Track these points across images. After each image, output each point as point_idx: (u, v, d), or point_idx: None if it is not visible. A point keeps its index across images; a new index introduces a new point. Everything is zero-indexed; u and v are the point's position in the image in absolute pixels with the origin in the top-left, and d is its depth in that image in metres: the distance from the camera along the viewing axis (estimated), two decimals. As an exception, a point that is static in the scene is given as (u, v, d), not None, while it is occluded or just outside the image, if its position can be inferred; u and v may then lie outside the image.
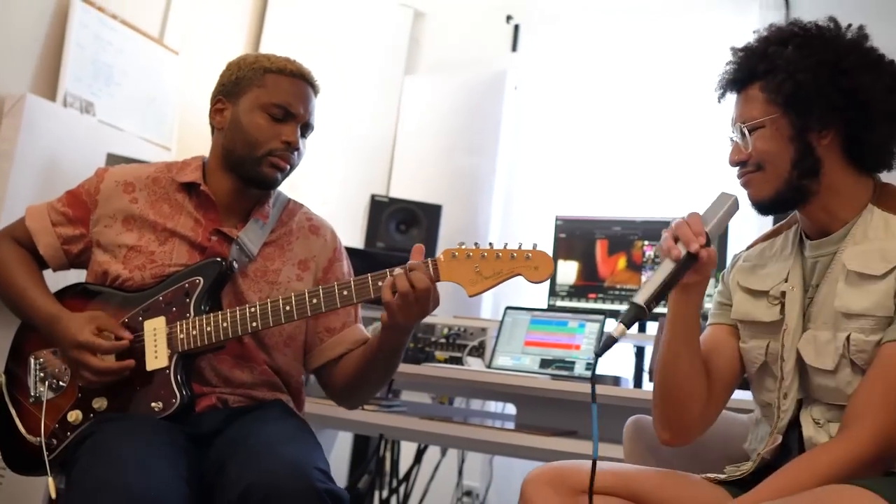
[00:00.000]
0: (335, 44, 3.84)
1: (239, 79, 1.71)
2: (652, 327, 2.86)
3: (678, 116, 3.57)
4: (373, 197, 3.24)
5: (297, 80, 1.72)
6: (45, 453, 1.56)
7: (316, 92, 1.77)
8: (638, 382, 2.64)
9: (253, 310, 1.59)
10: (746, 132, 1.37)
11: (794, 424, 1.38)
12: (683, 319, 1.44)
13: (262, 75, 1.70)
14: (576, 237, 2.91)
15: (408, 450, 3.23)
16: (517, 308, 2.66)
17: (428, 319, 2.84)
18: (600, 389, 2.31)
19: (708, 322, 1.57)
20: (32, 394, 1.65)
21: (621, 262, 2.81)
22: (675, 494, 1.38)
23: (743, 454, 1.51)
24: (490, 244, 1.55)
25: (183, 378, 1.59)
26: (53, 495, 1.52)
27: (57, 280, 1.80)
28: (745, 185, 1.40)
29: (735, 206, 1.39)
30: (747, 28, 3.45)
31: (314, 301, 1.57)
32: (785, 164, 1.35)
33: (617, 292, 2.86)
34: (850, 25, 1.38)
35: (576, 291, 2.87)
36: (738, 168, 1.41)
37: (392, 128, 3.96)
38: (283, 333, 1.72)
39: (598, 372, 2.36)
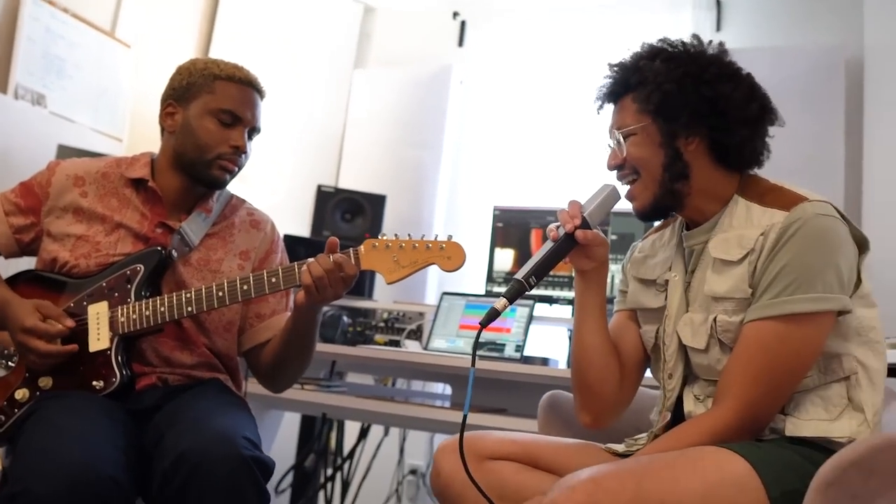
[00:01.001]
0: (287, 37, 3.93)
1: (189, 84, 1.81)
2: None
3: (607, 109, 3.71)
4: (319, 187, 3.36)
5: (245, 87, 1.83)
6: (-7, 429, 1.67)
7: (262, 97, 1.87)
8: (545, 362, 2.80)
9: (189, 295, 1.71)
10: (621, 138, 1.49)
11: (682, 401, 1.50)
12: (587, 307, 1.57)
13: (211, 82, 1.80)
14: (512, 226, 3.07)
15: (352, 431, 3.37)
16: (453, 294, 2.80)
17: (369, 304, 2.99)
18: (531, 370, 2.48)
19: (614, 309, 1.68)
20: (-18, 372, 1.76)
21: (553, 250, 2.97)
22: (570, 460, 1.49)
23: (647, 426, 1.62)
24: (409, 235, 1.67)
25: (123, 359, 1.71)
26: (0, 467, 1.64)
27: (8, 267, 1.91)
28: (629, 198, 1.52)
29: (614, 194, 1.52)
30: (681, 26, 3.66)
31: (244, 287, 1.70)
32: (657, 169, 1.46)
33: (549, 279, 3.01)
34: (710, 42, 1.51)
35: (511, 278, 3.02)
36: (616, 172, 1.53)
37: (341, 120, 4.07)
38: (223, 319, 1.84)
39: (531, 354, 2.56)
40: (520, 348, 2.59)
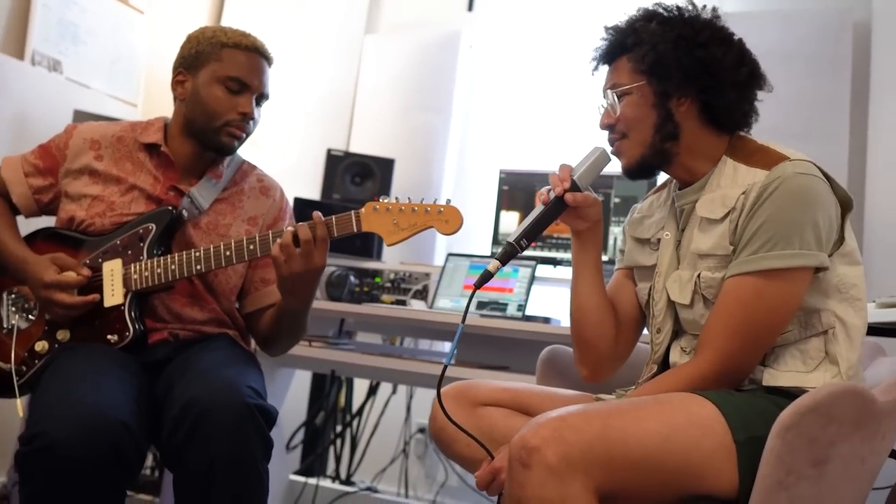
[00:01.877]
0: (298, 3, 3.97)
1: (198, 52, 1.87)
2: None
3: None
4: (329, 151, 3.42)
5: (252, 54, 1.88)
6: (15, 378, 1.77)
7: (270, 63, 1.92)
8: (546, 320, 2.86)
9: (198, 254, 1.79)
10: (615, 98, 1.54)
11: (668, 356, 1.57)
12: (582, 265, 1.63)
13: (219, 50, 1.86)
14: (517, 189, 3.12)
15: (361, 389, 3.47)
16: (458, 255, 2.87)
17: (376, 265, 3.07)
18: (533, 327, 2.55)
19: (615, 268, 1.75)
20: (5, 325, 1.85)
21: (556, 212, 3.02)
22: (557, 407, 1.51)
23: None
24: (409, 198, 1.72)
25: (136, 314, 1.80)
26: (21, 414, 1.74)
27: (29, 225, 1.99)
28: (616, 153, 1.57)
29: (605, 157, 1.56)
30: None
31: (251, 247, 1.77)
32: (648, 129, 1.51)
33: (554, 241, 3.07)
34: (705, 6, 1.55)
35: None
36: (607, 133, 1.58)
37: (352, 86, 4.10)
38: (230, 283, 1.92)
39: (533, 313, 2.63)
40: (521, 307, 2.66)
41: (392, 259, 3.24)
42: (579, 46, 3.88)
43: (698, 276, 1.49)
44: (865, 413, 1.27)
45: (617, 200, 3.03)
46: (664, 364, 1.58)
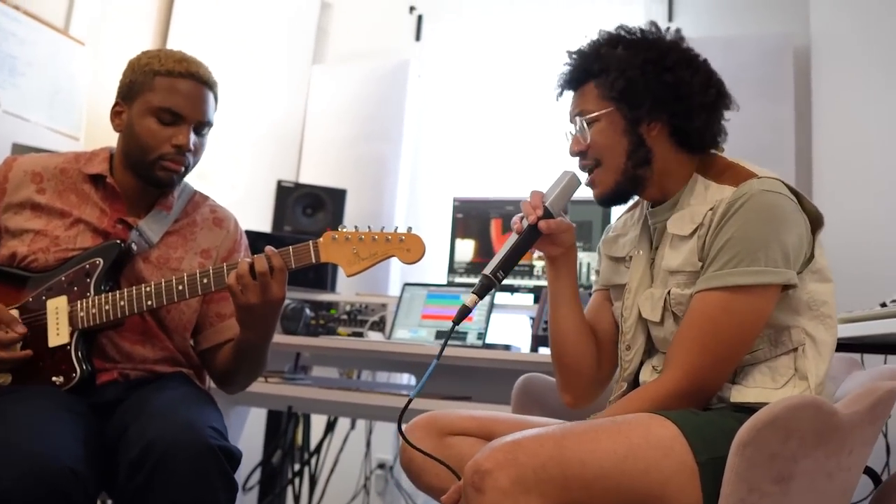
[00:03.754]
0: (244, 33, 3.91)
1: (132, 82, 1.78)
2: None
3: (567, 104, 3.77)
4: (279, 182, 3.36)
5: (188, 81, 1.77)
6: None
7: (211, 87, 1.81)
8: (535, 349, 2.84)
9: (148, 289, 1.71)
10: (585, 125, 1.52)
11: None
12: (559, 291, 1.61)
13: (151, 78, 1.76)
14: (472, 217, 3.10)
15: (319, 426, 3.38)
16: (415, 284, 2.83)
17: (331, 297, 3.00)
18: (495, 355, 2.51)
19: (592, 289, 1.73)
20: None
21: (513, 239, 3.01)
22: None
23: None
24: (368, 227, 1.67)
25: (83, 353, 1.70)
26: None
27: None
28: (589, 184, 1.55)
29: (574, 181, 1.54)
30: (634, 17, 3.72)
31: (204, 280, 1.69)
32: (620, 156, 1.49)
33: (515, 268, 3.05)
34: (668, 28, 1.55)
35: (472, 268, 3.06)
36: (578, 160, 1.56)
37: (301, 116, 4.06)
38: (183, 318, 1.84)
39: (493, 341, 2.59)
40: (482, 335, 2.63)
41: (347, 290, 3.19)
42: (526, 73, 3.94)
43: (668, 292, 1.48)
44: (827, 426, 1.24)
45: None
46: (635, 383, 1.56)
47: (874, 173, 3.05)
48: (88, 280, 1.74)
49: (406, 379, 3.25)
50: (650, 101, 1.47)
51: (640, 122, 1.49)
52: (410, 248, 1.64)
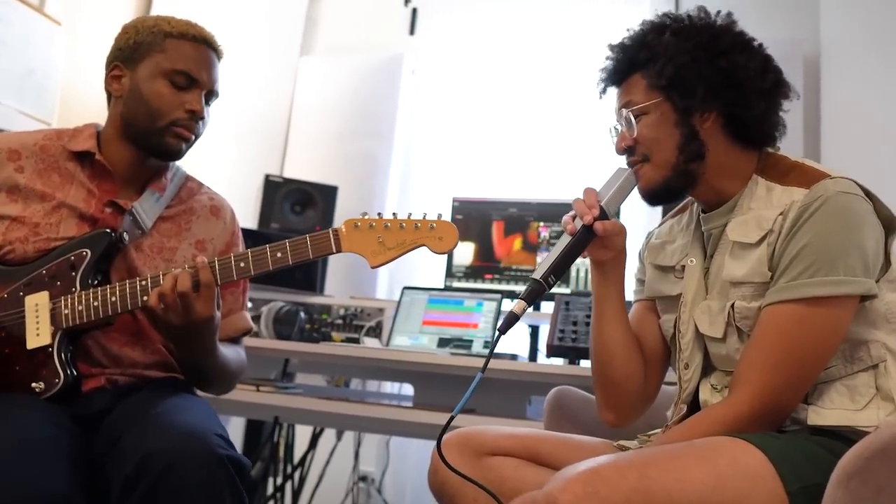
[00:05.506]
0: (229, 20, 3.71)
1: (137, 43, 1.63)
2: (546, 307, 2.93)
3: (571, 100, 3.65)
4: (267, 177, 3.16)
5: (200, 45, 1.66)
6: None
7: (219, 57, 1.71)
8: (533, 358, 2.69)
9: (144, 283, 1.52)
10: (632, 118, 1.40)
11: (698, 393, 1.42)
12: (606, 299, 1.49)
13: (162, 40, 1.63)
14: (472, 219, 2.94)
15: (302, 436, 3.17)
16: (414, 288, 2.66)
17: (324, 300, 2.81)
18: (500, 365, 2.36)
19: (633, 300, 1.60)
20: None
21: (517, 243, 2.87)
22: (573, 455, 1.40)
23: (665, 422, 1.54)
24: (394, 214, 1.53)
25: (67, 356, 1.51)
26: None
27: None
28: (637, 179, 1.43)
29: (632, 179, 1.42)
30: (639, 17, 3.59)
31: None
32: (671, 150, 1.38)
33: (513, 273, 2.90)
34: (718, 12, 1.43)
35: (472, 272, 2.91)
36: (626, 156, 1.44)
37: (287, 108, 3.88)
38: None
39: (499, 351, 2.44)
40: (488, 344, 2.46)
41: (338, 293, 3.00)
42: (525, 71, 3.82)
43: (731, 306, 1.36)
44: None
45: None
46: (693, 404, 1.43)
47: (884, 181, 2.96)
48: (74, 273, 1.55)
49: (397, 388, 3.08)
50: (703, 89, 1.36)
51: (692, 112, 1.38)
52: (443, 236, 1.49)
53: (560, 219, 2.89)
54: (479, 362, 2.34)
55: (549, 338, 2.29)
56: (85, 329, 1.54)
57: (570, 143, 3.64)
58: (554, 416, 1.68)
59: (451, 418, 1.27)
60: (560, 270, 1.36)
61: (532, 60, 3.73)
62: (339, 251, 1.50)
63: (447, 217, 1.51)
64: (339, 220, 3.24)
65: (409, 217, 1.51)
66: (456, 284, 2.90)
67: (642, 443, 1.45)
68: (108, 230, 1.58)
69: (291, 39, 3.97)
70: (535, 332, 2.93)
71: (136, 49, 1.63)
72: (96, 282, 1.56)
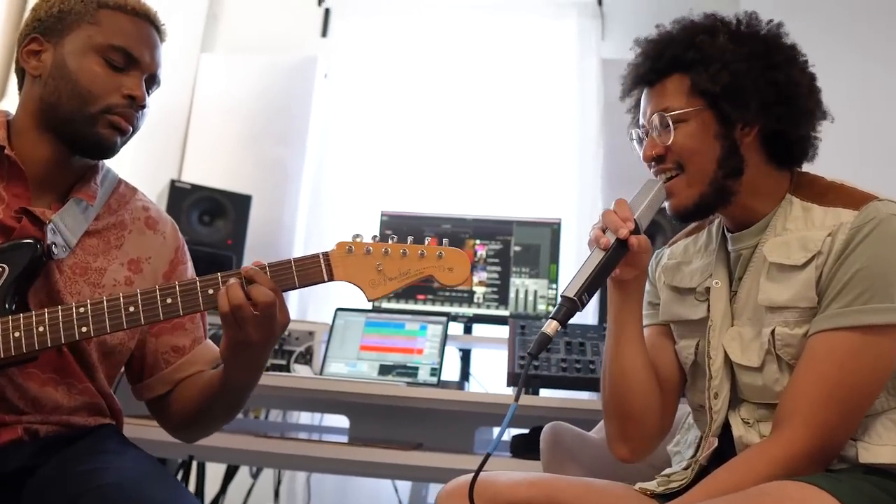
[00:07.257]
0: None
1: (63, 12, 1.34)
2: (477, 329, 2.75)
3: (490, 113, 3.54)
4: (173, 182, 2.82)
5: (141, 21, 1.37)
6: None
7: (162, 39, 1.42)
8: (461, 386, 2.51)
9: (82, 310, 1.22)
10: (670, 122, 1.28)
11: (726, 427, 1.31)
12: (625, 322, 1.37)
13: (95, 10, 1.34)
14: (403, 234, 2.71)
15: (214, 474, 2.83)
16: (349, 309, 2.42)
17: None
18: (445, 395, 2.16)
19: (644, 324, 1.47)
20: None
21: (454, 261, 2.68)
22: (599, 503, 1.30)
23: (665, 458, 1.44)
24: (391, 238, 1.32)
25: (-25, 401, 1.19)
26: None
27: None
28: (668, 193, 1.32)
29: (663, 193, 1.32)
30: (566, 33, 3.52)
31: (168, 301, 1.23)
32: (710, 164, 1.28)
33: (448, 293, 2.71)
34: (770, 21, 1.34)
35: (403, 292, 2.69)
36: (653, 165, 1.33)
37: (186, 107, 3.52)
38: (105, 346, 1.36)
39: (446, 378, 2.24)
40: (435, 371, 2.27)
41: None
42: (444, 80, 3.66)
43: (772, 332, 1.25)
44: None
45: (518, 249, 2.74)
46: (724, 437, 1.31)
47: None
48: (-15, 296, 1.22)
49: (331, 420, 2.80)
50: (756, 103, 1.26)
51: (736, 125, 1.28)
52: (454, 266, 1.29)
53: (497, 237, 2.78)
54: (429, 392, 2.16)
55: (510, 365, 2.11)
56: (2, 365, 1.22)
57: (488, 157, 3.52)
58: (555, 455, 1.54)
59: (485, 460, 1.14)
60: (594, 288, 1.25)
61: (450, 68, 3.58)
62: (331, 280, 1.27)
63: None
64: (252, 232, 2.95)
65: (410, 242, 1.30)
66: (385, 305, 2.68)
67: (663, 484, 1.34)
68: (31, 240, 1.26)
69: (190, 34, 3.62)
70: (465, 356, 2.76)
71: (60, 19, 1.34)
72: (14, 306, 1.24)
